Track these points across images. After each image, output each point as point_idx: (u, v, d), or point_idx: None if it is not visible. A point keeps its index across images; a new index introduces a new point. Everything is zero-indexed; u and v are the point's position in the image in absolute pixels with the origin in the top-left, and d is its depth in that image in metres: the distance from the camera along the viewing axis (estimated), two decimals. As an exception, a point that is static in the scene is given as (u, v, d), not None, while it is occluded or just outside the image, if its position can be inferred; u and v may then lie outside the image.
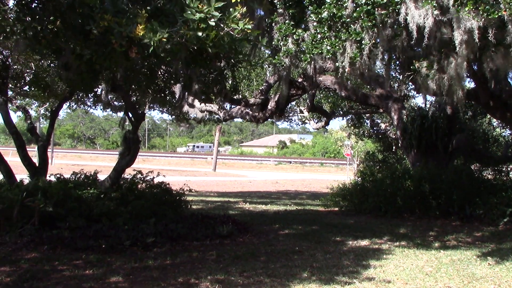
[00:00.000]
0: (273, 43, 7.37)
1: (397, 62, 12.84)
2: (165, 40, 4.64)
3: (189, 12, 4.68)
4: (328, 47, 6.61)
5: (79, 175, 10.59)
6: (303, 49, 6.84)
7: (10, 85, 11.80)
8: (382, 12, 6.38)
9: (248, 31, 4.91)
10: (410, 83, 15.23)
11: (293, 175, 39.36)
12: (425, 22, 6.29)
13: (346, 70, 6.75)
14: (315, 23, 6.78)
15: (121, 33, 4.64)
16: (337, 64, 6.84)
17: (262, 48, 10.94)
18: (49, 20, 5.57)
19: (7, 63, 10.81)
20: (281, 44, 7.04)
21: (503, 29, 6.24)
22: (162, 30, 4.60)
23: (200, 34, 4.72)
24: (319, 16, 6.68)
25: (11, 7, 5.39)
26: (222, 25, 4.87)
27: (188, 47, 4.98)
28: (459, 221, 11.49)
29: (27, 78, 12.05)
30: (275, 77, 12.82)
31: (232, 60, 9.66)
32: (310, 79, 12.11)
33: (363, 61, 6.69)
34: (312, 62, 7.06)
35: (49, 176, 10.71)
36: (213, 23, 4.74)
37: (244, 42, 5.05)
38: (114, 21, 4.64)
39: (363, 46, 6.57)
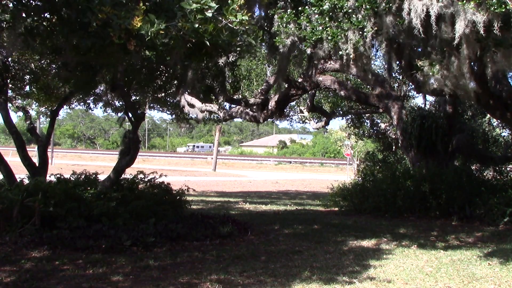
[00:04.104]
0: (273, 29, 7.35)
1: (397, 62, 12.81)
2: (162, 32, 4.64)
3: (186, 2, 4.68)
4: (329, 37, 6.60)
5: (79, 175, 10.57)
6: (304, 36, 6.82)
7: (10, 85, 11.80)
8: (384, 2, 6.37)
9: (246, 23, 4.91)
10: (410, 83, 15.25)
11: (293, 175, 39.36)
12: (429, 12, 6.24)
13: (351, 56, 6.70)
14: (316, 16, 6.77)
15: (119, 25, 4.65)
16: (340, 52, 6.81)
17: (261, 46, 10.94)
18: (45, 17, 5.56)
19: (7, 63, 10.81)
20: (282, 29, 7.01)
21: (504, 28, 6.23)
22: (160, 21, 4.61)
23: (197, 26, 4.71)
24: (321, 8, 6.67)
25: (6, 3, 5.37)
26: (220, 18, 4.87)
27: (186, 41, 4.98)
28: (459, 221, 11.48)
29: (28, 79, 12.05)
30: (275, 76, 12.81)
31: (231, 55, 9.62)
32: (311, 74, 12.06)
33: (365, 48, 6.67)
34: (313, 49, 7.02)
35: (49, 176, 10.70)
36: (210, 14, 4.74)
37: (243, 34, 5.05)
38: (112, 13, 4.64)
39: (365, 33, 6.56)
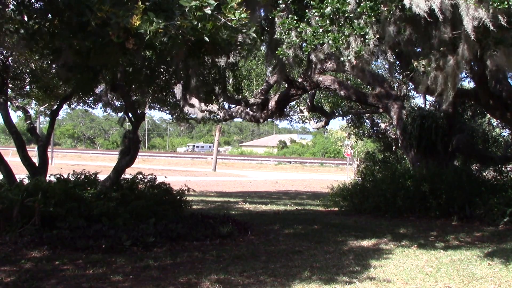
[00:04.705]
0: (274, 36, 7.34)
1: (397, 62, 12.84)
2: (161, 31, 4.64)
3: (185, 0, 4.68)
4: (331, 42, 6.59)
5: (79, 175, 10.57)
6: (305, 39, 6.81)
7: (10, 85, 11.80)
8: (385, 8, 6.36)
9: (245, 21, 4.92)
10: (410, 83, 15.26)
11: (293, 175, 39.36)
12: (432, 5, 6.20)
13: (354, 62, 6.69)
14: (317, 18, 6.76)
15: (118, 24, 4.65)
16: (342, 58, 6.81)
17: (262, 46, 10.94)
18: (47, 19, 5.58)
19: (7, 63, 10.81)
20: (284, 37, 7.00)
21: (504, 27, 6.21)
22: (158, 20, 4.61)
23: (196, 23, 4.71)
24: (322, 11, 6.66)
25: (10, 5, 5.39)
26: (219, 16, 4.87)
27: (186, 39, 4.98)
28: (459, 221, 11.48)
29: (28, 78, 12.05)
30: (276, 76, 12.82)
31: (231, 55, 9.61)
32: (311, 74, 12.06)
33: (367, 55, 6.66)
34: (314, 53, 7.01)
35: (49, 176, 10.71)
36: (209, 11, 4.74)
37: (242, 29, 5.05)
38: (111, 12, 4.64)
39: (367, 40, 6.54)
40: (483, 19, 5.91)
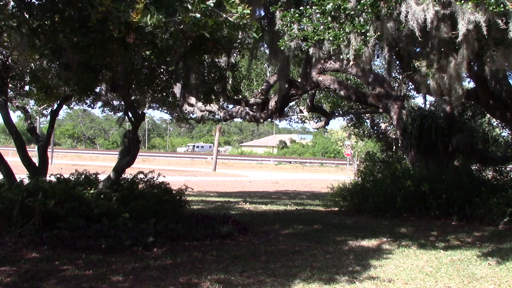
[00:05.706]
0: (275, 28, 7.33)
1: (397, 62, 12.84)
2: (162, 25, 4.64)
3: None
4: (331, 38, 6.58)
5: (79, 175, 10.57)
6: (306, 35, 6.80)
7: (10, 85, 11.79)
8: (385, 5, 6.36)
9: (247, 17, 4.92)
10: (410, 83, 15.26)
11: (293, 175, 39.36)
12: (425, 16, 6.24)
13: (351, 62, 6.70)
14: (318, 15, 6.75)
15: (119, 19, 4.64)
16: (341, 56, 6.80)
17: (262, 47, 10.93)
18: (47, 16, 5.57)
19: (7, 63, 10.80)
20: (285, 29, 6.98)
21: (502, 29, 6.22)
22: (159, 13, 4.60)
23: (198, 16, 4.70)
24: (323, 7, 6.65)
25: (11, 2, 5.37)
26: (220, 13, 4.87)
27: (186, 35, 4.97)
28: (459, 221, 11.48)
29: (28, 78, 12.04)
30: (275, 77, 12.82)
31: (232, 54, 9.61)
32: (310, 73, 12.04)
33: (367, 54, 6.66)
34: (314, 49, 7.01)
35: (49, 176, 10.70)
36: (212, 4, 4.74)
37: (243, 28, 5.05)
38: (112, 7, 4.64)
39: (367, 38, 6.54)
40: (479, 23, 5.93)
